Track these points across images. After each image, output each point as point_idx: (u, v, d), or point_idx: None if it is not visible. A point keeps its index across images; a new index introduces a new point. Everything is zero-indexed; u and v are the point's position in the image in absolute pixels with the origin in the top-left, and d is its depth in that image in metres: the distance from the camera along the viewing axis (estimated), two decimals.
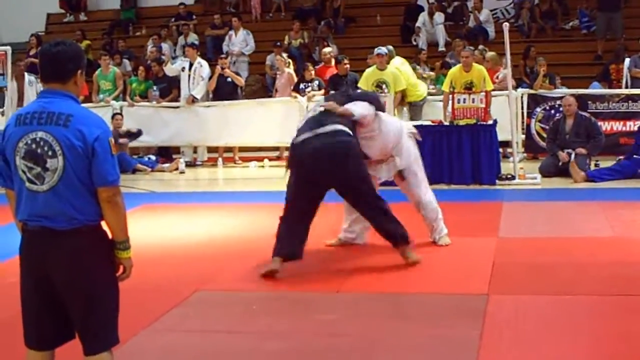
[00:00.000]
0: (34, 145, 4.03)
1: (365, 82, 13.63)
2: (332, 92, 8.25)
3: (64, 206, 4.03)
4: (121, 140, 14.84)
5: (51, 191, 4.03)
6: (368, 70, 13.95)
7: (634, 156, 12.67)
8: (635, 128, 13.69)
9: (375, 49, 13.98)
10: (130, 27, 23.40)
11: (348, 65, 14.79)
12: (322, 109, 7.84)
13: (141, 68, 17.21)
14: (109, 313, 4.20)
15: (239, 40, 19.89)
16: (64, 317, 4.18)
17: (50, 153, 4.01)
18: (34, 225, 4.08)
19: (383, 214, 7.69)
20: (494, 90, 13.67)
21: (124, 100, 16.59)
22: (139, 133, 15.57)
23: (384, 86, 13.48)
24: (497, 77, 14.76)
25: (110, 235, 4.22)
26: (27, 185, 4.07)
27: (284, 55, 16.59)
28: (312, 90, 14.91)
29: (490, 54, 15.53)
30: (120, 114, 15.84)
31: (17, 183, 4.14)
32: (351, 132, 7.66)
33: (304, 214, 7.62)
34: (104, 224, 4.22)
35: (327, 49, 16.49)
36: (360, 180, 7.62)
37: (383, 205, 7.69)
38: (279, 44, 18.38)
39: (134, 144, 15.91)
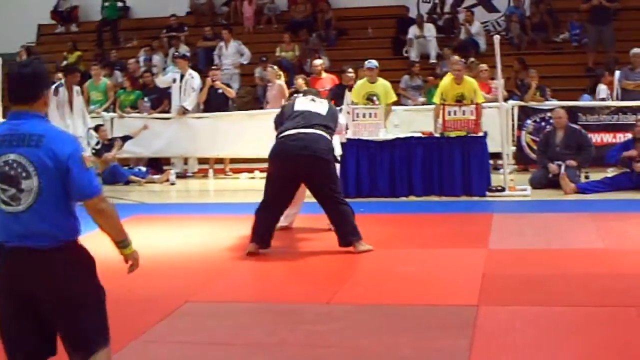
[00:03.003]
0: (6, 168, 4.06)
1: (357, 94, 13.65)
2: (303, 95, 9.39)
3: (42, 225, 4.08)
4: (109, 155, 14.97)
5: (28, 211, 4.07)
6: (359, 83, 13.97)
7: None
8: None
9: (366, 63, 14.01)
10: (121, 38, 23.37)
11: (353, 75, 14.76)
12: (306, 108, 8.91)
13: (126, 79, 17.21)
14: (98, 319, 4.28)
15: (231, 53, 19.91)
16: (46, 334, 4.22)
17: (24, 174, 4.05)
18: (13, 246, 4.10)
19: (345, 212, 8.78)
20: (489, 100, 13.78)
21: (114, 111, 16.58)
22: (127, 137, 15.60)
23: (374, 98, 13.48)
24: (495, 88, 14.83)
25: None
26: (3, 207, 4.09)
27: (275, 67, 16.59)
28: None
29: (483, 65, 15.58)
30: (103, 125, 15.76)
31: None
32: (330, 138, 8.92)
33: (280, 205, 8.93)
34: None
35: (317, 61, 16.50)
36: (332, 182, 8.81)
37: (347, 205, 8.83)
38: (264, 58, 18.42)
39: (124, 155, 15.89)
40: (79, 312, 4.16)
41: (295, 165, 8.65)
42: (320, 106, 9.07)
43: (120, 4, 24.00)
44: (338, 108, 10.41)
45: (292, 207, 9.89)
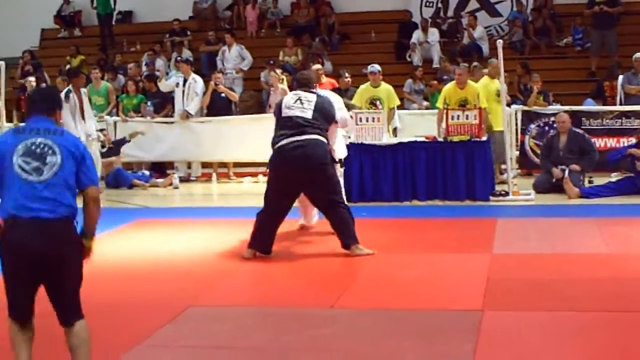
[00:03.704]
0: (33, 147, 5.00)
1: (360, 98, 13.64)
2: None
3: (54, 196, 4.95)
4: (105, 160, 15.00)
5: (45, 183, 4.95)
6: (362, 87, 13.96)
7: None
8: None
9: (369, 67, 14.01)
10: (124, 43, 23.35)
11: (349, 79, 14.74)
12: (293, 114, 8.84)
13: (130, 83, 17.18)
14: (79, 280, 5.15)
15: (233, 57, 19.90)
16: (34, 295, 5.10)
17: (50, 152, 5.00)
18: (25, 217, 4.91)
19: (343, 216, 8.83)
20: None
21: (117, 116, 16.57)
22: (123, 140, 15.62)
23: (377, 102, 13.48)
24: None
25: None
26: (24, 176, 4.95)
27: (278, 71, 16.56)
28: None
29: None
30: (105, 129, 15.75)
31: (9, 179, 5.00)
32: (326, 141, 8.91)
33: (279, 212, 8.92)
34: None
35: (317, 66, 16.38)
36: (331, 186, 8.86)
37: (345, 209, 8.90)
38: (272, 62, 18.37)
39: (127, 159, 15.89)
40: (70, 268, 5.04)
41: (294, 173, 8.73)
42: (307, 106, 8.90)
43: None
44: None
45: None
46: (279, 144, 8.81)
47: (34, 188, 4.93)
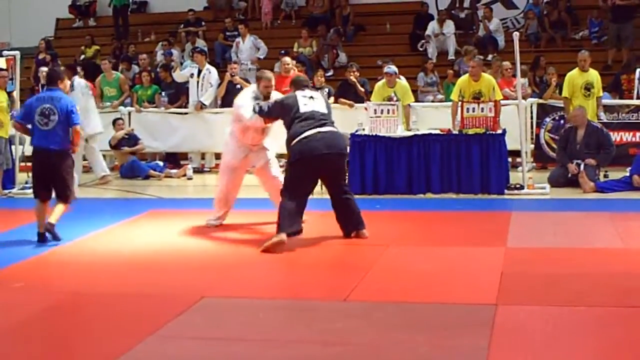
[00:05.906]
0: (44, 110, 9.40)
1: (377, 96, 13.71)
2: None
3: (57, 138, 9.36)
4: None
5: (52, 131, 9.36)
6: (378, 84, 14.05)
7: None
8: None
9: (385, 67, 14.03)
10: (138, 33, 23.36)
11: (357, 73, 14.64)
12: (312, 109, 9.27)
13: (145, 73, 17.15)
14: (71, 183, 9.63)
15: (247, 47, 19.86)
16: (50, 186, 9.55)
17: (53, 112, 9.39)
18: (43, 148, 9.40)
19: (354, 204, 9.41)
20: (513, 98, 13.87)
21: (132, 106, 16.57)
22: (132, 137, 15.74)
23: (394, 99, 13.47)
24: (514, 86, 14.78)
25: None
26: (40, 127, 9.40)
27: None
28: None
29: (505, 63, 15.52)
30: (122, 118, 15.82)
31: (33, 127, 9.50)
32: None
33: (306, 196, 9.23)
34: None
35: (287, 59, 16.11)
36: (345, 177, 9.69)
37: (353, 197, 9.52)
38: (283, 52, 18.32)
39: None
40: (66, 175, 9.51)
41: (322, 163, 9.06)
42: (319, 102, 9.44)
43: None
44: None
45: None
46: (305, 134, 9.05)
47: (44, 133, 9.38)
